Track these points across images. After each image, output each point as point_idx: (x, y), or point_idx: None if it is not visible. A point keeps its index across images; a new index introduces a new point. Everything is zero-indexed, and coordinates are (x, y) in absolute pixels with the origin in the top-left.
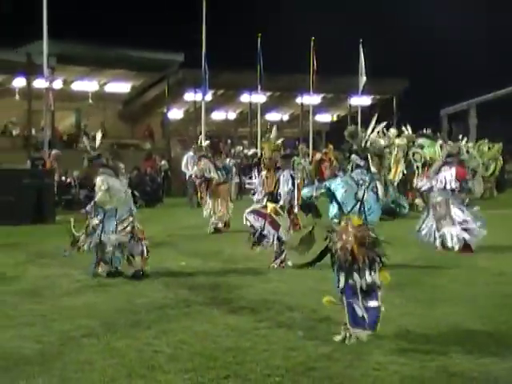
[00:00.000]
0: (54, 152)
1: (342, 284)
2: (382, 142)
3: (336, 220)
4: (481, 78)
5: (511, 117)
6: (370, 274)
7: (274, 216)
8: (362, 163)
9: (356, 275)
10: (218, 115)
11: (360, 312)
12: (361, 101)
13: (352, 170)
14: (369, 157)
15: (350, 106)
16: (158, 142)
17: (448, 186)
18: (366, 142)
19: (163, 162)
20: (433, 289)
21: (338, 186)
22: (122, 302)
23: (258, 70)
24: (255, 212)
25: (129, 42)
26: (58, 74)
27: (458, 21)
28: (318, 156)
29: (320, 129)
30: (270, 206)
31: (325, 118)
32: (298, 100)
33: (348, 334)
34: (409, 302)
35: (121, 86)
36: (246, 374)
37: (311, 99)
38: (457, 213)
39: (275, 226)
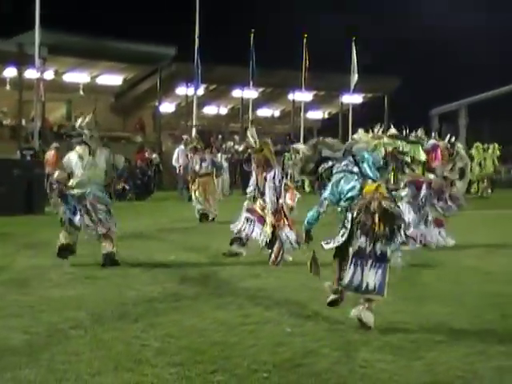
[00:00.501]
0: (55, 145)
1: (356, 246)
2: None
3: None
4: (473, 78)
5: (501, 118)
6: (385, 245)
7: (261, 212)
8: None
9: (370, 240)
10: (209, 110)
11: (359, 278)
12: (352, 99)
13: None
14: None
15: (341, 103)
16: (149, 135)
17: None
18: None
19: (154, 156)
20: (422, 287)
21: (337, 184)
22: (111, 295)
23: (250, 66)
24: (249, 211)
25: (121, 34)
26: (50, 64)
27: (452, 21)
28: None
29: (311, 126)
30: (257, 203)
31: (316, 114)
32: (290, 96)
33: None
34: (399, 300)
35: (112, 79)
36: (233, 369)
37: (303, 96)
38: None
39: (261, 221)
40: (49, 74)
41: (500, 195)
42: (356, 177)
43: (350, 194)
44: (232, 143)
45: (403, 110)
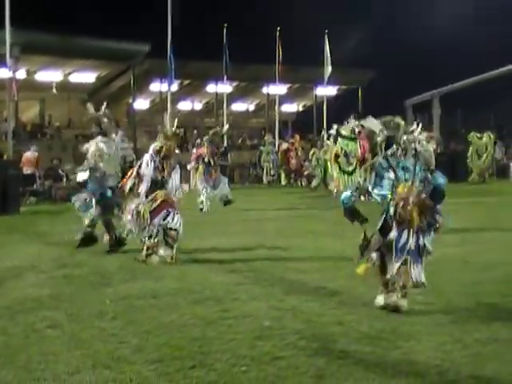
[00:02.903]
0: (35, 148)
1: (402, 242)
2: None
3: (388, 194)
4: (446, 68)
5: (473, 107)
6: (423, 237)
7: (169, 200)
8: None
9: (410, 236)
10: (184, 105)
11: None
12: (326, 91)
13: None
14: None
15: (315, 95)
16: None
17: None
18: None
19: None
20: None
21: (370, 178)
22: (88, 293)
23: (224, 60)
24: (157, 210)
25: (94, 31)
26: (22, 63)
27: (425, 10)
28: (285, 146)
29: (286, 119)
30: (160, 192)
31: (291, 107)
32: (264, 90)
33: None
34: (376, 290)
35: (86, 76)
36: (212, 364)
37: (277, 89)
38: None
39: (173, 205)
40: (21, 73)
41: (476, 184)
42: (390, 180)
43: (381, 193)
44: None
45: (378, 102)
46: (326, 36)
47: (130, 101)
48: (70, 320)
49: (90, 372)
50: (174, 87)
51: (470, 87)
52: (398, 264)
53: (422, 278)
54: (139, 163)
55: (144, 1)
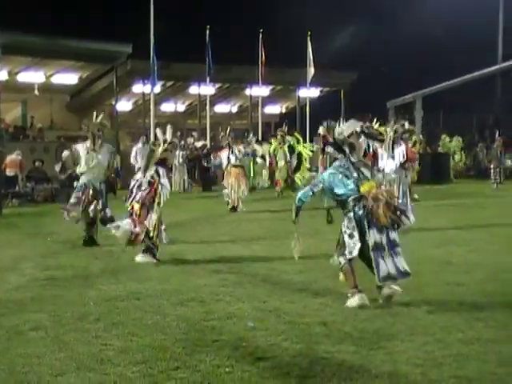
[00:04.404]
0: (19, 152)
1: (372, 241)
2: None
3: (352, 193)
4: (428, 70)
5: (455, 109)
6: (393, 231)
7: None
8: (338, 155)
9: (380, 232)
10: (167, 107)
11: (386, 267)
12: (309, 93)
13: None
14: (344, 147)
15: (298, 97)
16: (106, 134)
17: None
18: (340, 133)
19: None
20: None
21: (332, 176)
22: (72, 295)
23: (206, 62)
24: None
25: (76, 32)
26: (3, 64)
27: (407, 13)
28: None
29: (269, 120)
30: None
31: (274, 109)
32: (247, 92)
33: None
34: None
35: (68, 78)
36: (196, 365)
37: (260, 91)
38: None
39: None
40: (2, 75)
41: (453, 185)
42: (352, 179)
43: (342, 192)
44: (192, 140)
45: (360, 103)
46: (308, 38)
47: (113, 102)
48: (53, 322)
49: (74, 374)
50: (157, 89)
51: (452, 89)
52: (381, 263)
53: (406, 267)
54: (154, 174)
55: (126, 2)
